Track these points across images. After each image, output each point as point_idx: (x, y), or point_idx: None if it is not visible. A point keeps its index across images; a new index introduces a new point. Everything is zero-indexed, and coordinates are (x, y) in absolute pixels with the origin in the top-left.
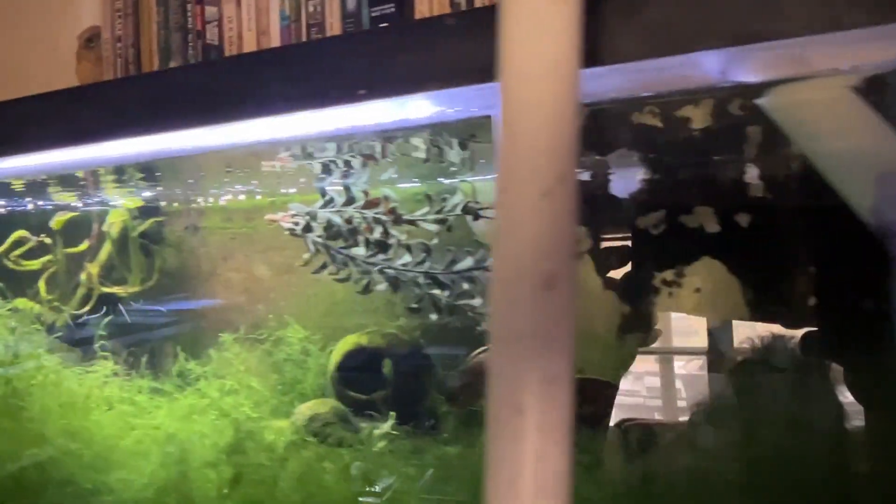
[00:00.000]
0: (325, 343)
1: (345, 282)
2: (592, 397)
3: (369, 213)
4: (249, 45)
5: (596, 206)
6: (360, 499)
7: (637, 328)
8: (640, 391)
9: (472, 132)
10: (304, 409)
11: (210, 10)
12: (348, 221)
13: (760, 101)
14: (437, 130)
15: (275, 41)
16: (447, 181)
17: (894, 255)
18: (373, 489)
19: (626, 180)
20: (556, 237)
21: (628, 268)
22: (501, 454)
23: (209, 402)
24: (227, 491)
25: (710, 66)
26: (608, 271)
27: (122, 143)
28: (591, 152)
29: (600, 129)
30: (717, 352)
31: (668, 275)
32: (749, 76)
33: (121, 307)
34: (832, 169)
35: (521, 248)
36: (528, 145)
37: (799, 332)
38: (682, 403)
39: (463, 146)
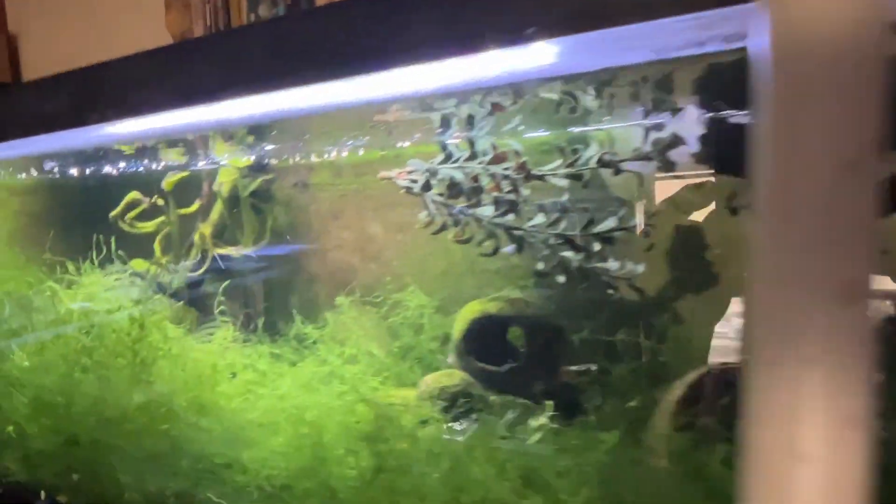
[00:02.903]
0: (444, 308)
1: (466, 243)
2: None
3: (497, 169)
4: None
5: None
6: None
7: None
8: (727, 332)
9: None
10: (430, 381)
11: None
12: (474, 179)
13: None
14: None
15: None
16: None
17: None
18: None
19: None
20: (860, 230)
21: None
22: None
23: (329, 370)
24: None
25: None
26: None
27: (234, 103)
28: None
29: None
30: None
31: None
32: None
33: (234, 268)
34: None
35: (806, 245)
36: (817, 92)
37: None
38: None
39: (599, 92)
